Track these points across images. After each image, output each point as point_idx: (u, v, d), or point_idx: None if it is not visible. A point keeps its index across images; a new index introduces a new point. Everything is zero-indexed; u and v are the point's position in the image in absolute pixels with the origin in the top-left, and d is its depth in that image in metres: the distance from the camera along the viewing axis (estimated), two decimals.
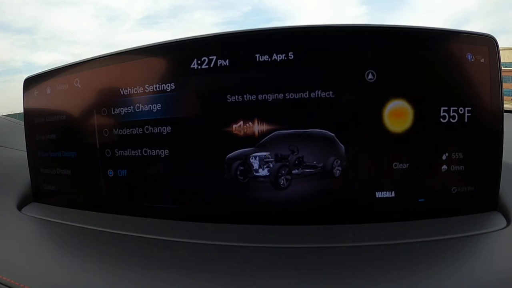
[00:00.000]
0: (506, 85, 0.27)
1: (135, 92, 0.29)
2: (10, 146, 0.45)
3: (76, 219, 0.31)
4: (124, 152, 0.30)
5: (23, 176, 0.38)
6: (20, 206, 0.35)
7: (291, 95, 0.26)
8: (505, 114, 0.26)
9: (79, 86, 0.32)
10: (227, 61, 0.27)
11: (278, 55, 0.26)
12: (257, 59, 0.26)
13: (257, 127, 0.27)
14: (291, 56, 0.26)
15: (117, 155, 0.31)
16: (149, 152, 0.29)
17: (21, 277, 0.22)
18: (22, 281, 0.22)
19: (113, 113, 0.30)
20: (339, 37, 0.26)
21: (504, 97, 0.27)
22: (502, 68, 0.27)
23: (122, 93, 0.30)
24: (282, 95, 0.26)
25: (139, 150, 0.30)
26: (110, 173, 0.31)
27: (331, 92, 0.26)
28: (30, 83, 0.36)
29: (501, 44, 0.27)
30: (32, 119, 0.36)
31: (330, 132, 0.26)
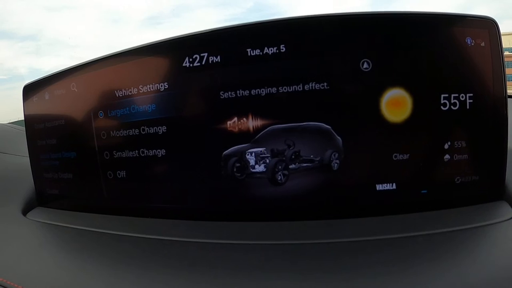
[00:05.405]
0: (509, 71, 0.26)
1: (129, 93, 0.29)
2: (14, 152, 0.46)
3: (79, 222, 0.31)
4: (122, 154, 0.30)
5: (28, 182, 0.38)
6: (25, 211, 0.36)
7: (285, 89, 0.25)
8: (509, 99, 0.25)
9: (76, 90, 0.33)
10: (219, 57, 0.26)
11: (270, 49, 0.25)
12: (249, 54, 0.26)
13: (251, 123, 0.26)
14: (282, 49, 0.25)
15: (115, 156, 0.31)
16: (146, 152, 0.29)
17: (27, 282, 0.22)
18: (28, 286, 0.22)
19: (109, 115, 0.31)
20: (331, 26, 0.25)
21: (508, 82, 0.26)
22: (505, 53, 0.26)
23: (117, 95, 0.30)
24: (276, 89, 0.26)
25: (136, 151, 0.30)
26: (110, 174, 0.31)
27: (325, 84, 0.25)
28: (29, 89, 0.37)
29: (504, 30, 0.26)
30: (33, 125, 0.37)
31: (326, 124, 0.25)
